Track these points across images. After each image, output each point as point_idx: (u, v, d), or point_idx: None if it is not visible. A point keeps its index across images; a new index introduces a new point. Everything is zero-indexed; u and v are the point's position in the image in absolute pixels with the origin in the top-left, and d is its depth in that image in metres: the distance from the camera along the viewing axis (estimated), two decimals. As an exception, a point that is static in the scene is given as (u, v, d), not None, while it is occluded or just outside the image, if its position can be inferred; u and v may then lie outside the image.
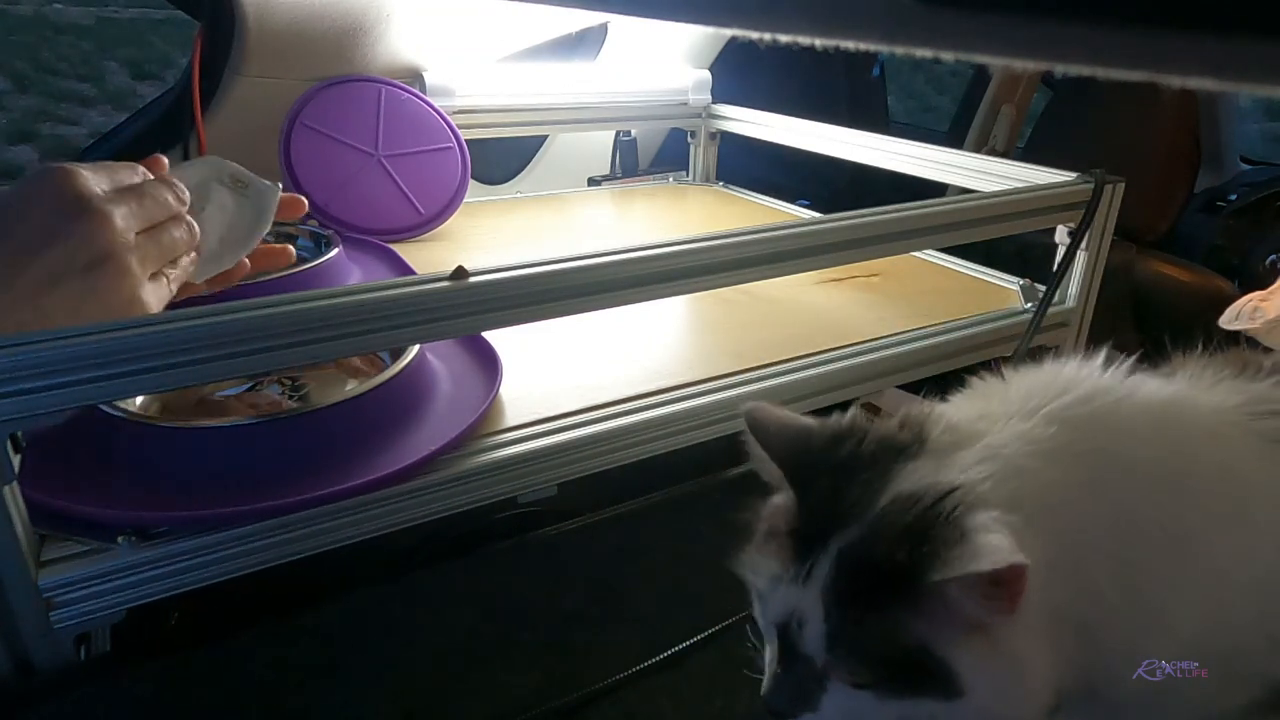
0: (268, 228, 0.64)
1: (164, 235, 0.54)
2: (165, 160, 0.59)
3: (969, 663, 0.32)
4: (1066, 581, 0.33)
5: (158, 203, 0.54)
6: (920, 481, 0.34)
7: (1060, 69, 0.18)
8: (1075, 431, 0.36)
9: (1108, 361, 0.40)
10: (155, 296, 0.53)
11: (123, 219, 0.50)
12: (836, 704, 0.34)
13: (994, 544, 0.30)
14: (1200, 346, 0.45)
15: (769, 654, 0.37)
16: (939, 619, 0.31)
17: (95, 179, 0.51)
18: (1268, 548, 0.36)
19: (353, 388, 0.58)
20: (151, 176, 0.56)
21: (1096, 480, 0.35)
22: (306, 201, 0.69)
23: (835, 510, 0.34)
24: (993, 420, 0.37)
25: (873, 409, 0.93)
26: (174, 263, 0.55)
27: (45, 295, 0.47)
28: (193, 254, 0.58)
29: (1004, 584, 0.30)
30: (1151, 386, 0.40)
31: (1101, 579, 0.34)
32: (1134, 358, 0.41)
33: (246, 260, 0.63)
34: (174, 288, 0.55)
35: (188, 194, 0.57)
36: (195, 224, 0.57)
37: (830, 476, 0.36)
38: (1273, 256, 1.58)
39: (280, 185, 0.66)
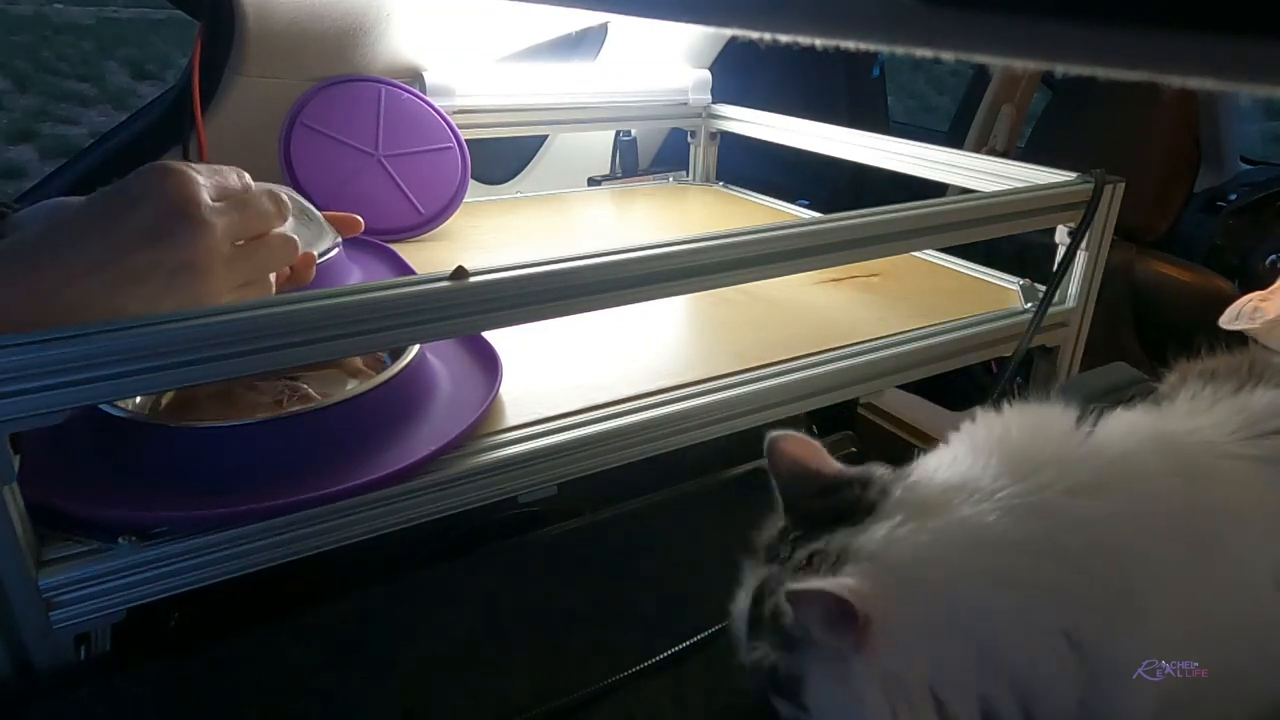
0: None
1: (261, 248, 0.54)
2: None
3: (816, 684, 0.38)
4: (962, 662, 0.36)
5: (260, 214, 0.54)
6: (842, 541, 0.39)
7: (1060, 69, 0.18)
8: (1018, 523, 0.37)
9: (1098, 405, 0.41)
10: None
11: (224, 229, 0.50)
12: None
13: (839, 581, 0.36)
14: (1204, 352, 0.45)
15: None
16: (803, 644, 0.37)
17: (206, 184, 0.51)
18: (1252, 577, 0.36)
19: (353, 388, 0.58)
20: (253, 183, 0.56)
21: (1021, 570, 0.37)
22: (362, 221, 0.70)
23: (778, 551, 0.42)
24: (954, 493, 0.39)
25: (874, 409, 0.93)
26: (267, 271, 0.55)
27: (127, 289, 0.47)
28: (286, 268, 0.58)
29: (845, 619, 0.35)
30: (1125, 438, 0.40)
31: (1031, 662, 0.36)
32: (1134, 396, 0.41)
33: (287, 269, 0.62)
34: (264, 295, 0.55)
35: (290, 205, 0.57)
36: (295, 238, 0.57)
37: (796, 521, 0.43)
38: (1273, 256, 1.58)
39: (340, 239, 0.68)
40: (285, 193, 0.62)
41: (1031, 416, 0.41)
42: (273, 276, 0.57)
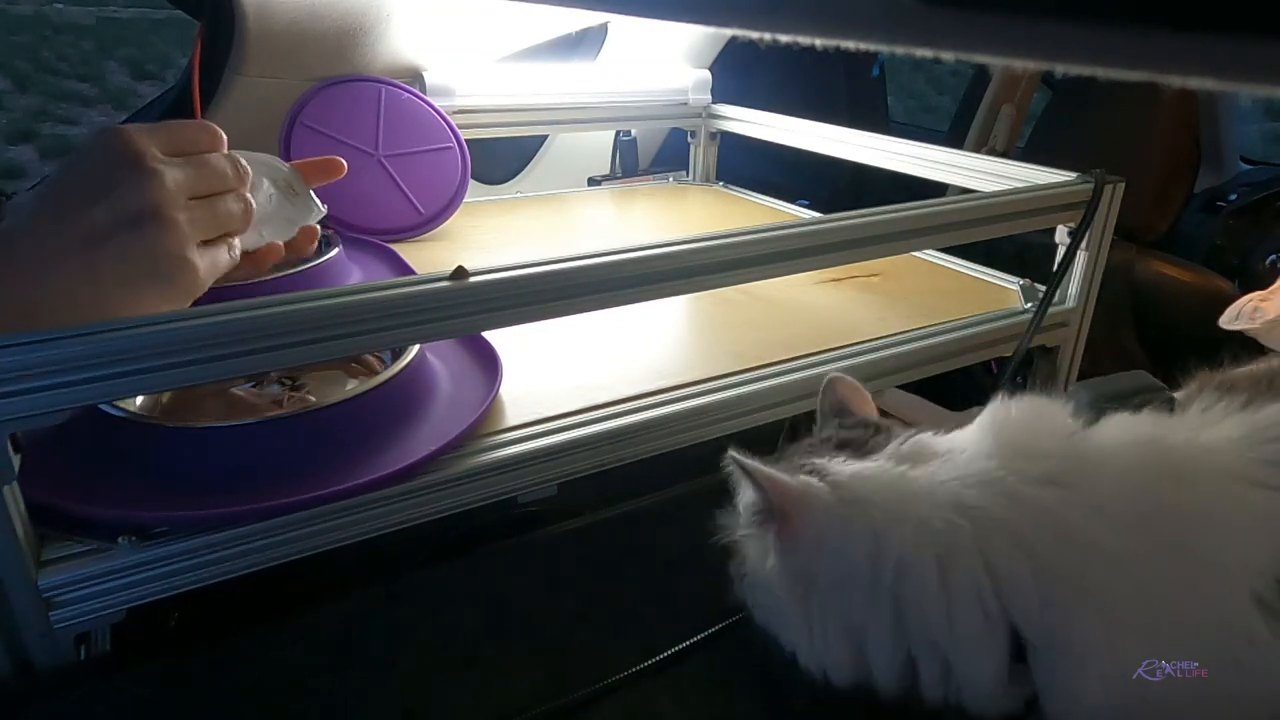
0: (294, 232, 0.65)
1: (219, 204, 0.54)
2: (224, 137, 0.58)
3: (752, 546, 0.44)
4: (877, 603, 0.39)
5: (216, 173, 0.54)
6: (830, 464, 0.43)
7: (1060, 69, 0.18)
8: (979, 496, 0.39)
9: (1106, 407, 0.42)
10: (206, 261, 0.53)
11: (174, 181, 0.50)
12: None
13: (779, 474, 0.41)
14: (1227, 361, 0.45)
15: None
16: (751, 523, 0.43)
17: (154, 139, 0.51)
18: (1222, 590, 0.36)
19: (353, 388, 0.58)
20: (218, 148, 0.56)
21: (962, 537, 0.38)
22: (344, 163, 0.69)
23: (785, 456, 0.46)
24: (936, 457, 0.41)
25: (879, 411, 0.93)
26: (228, 235, 0.55)
27: (94, 249, 0.48)
28: (246, 231, 0.57)
29: (771, 508, 0.41)
30: (1115, 438, 0.40)
31: (951, 626, 0.38)
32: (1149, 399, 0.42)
33: (281, 245, 0.63)
34: (230, 257, 0.55)
35: (250, 171, 0.57)
36: (253, 201, 0.57)
37: (817, 444, 0.46)
38: (1273, 256, 1.58)
39: (326, 207, 0.67)
40: (274, 162, 0.62)
41: (1035, 408, 0.42)
42: (239, 245, 0.57)
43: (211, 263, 0.53)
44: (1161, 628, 0.36)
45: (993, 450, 0.40)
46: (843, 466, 0.42)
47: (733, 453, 0.42)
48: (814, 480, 0.41)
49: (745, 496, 0.43)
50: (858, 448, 0.44)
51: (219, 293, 0.63)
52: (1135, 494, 0.38)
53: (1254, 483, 0.37)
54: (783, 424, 0.70)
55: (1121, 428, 0.41)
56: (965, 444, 0.42)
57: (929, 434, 0.44)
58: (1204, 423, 0.41)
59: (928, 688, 0.40)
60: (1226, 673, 0.35)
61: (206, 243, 0.53)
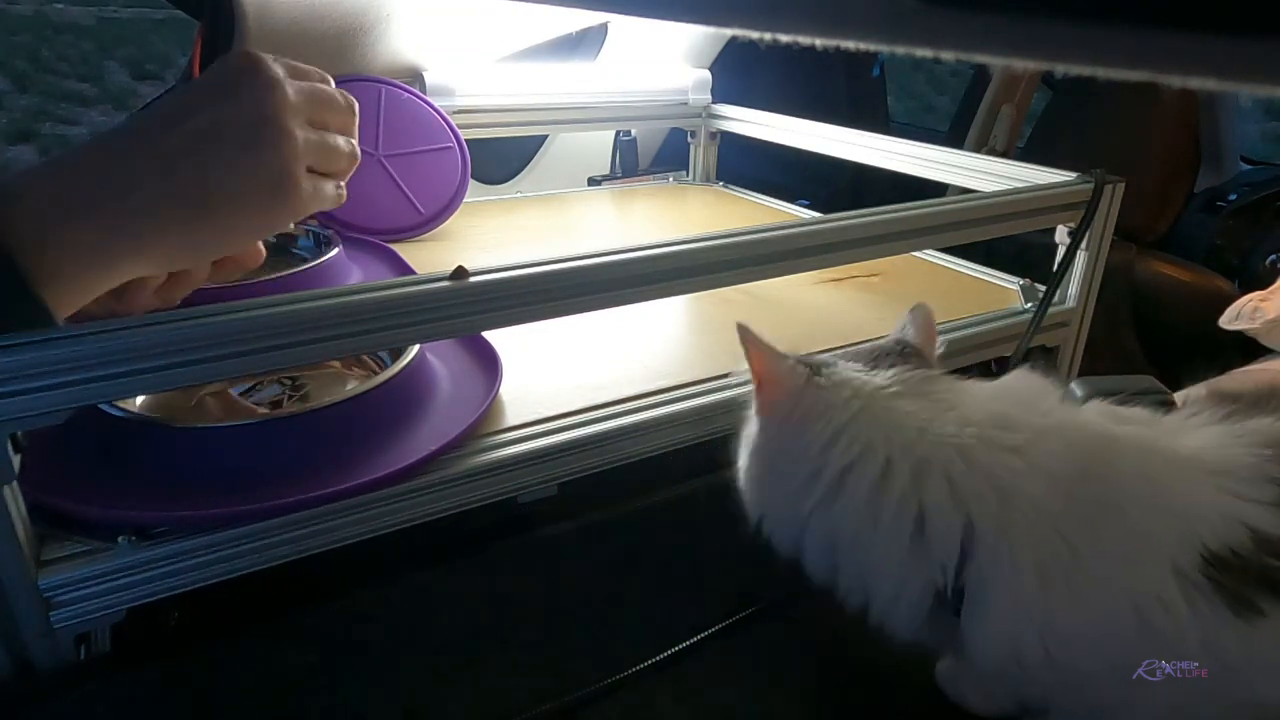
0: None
1: (331, 138, 0.53)
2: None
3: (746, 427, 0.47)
4: (817, 504, 0.42)
5: (333, 105, 0.53)
6: (854, 368, 0.45)
7: (1060, 69, 0.18)
8: (937, 441, 0.40)
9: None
10: (310, 186, 0.51)
11: (295, 96, 0.49)
12: None
13: (773, 352, 0.44)
14: (1225, 364, 0.46)
15: None
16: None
17: (279, 63, 0.50)
18: (1147, 560, 0.37)
19: (353, 388, 0.58)
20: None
21: (909, 468, 0.40)
22: None
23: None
24: (930, 398, 0.43)
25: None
26: (334, 174, 0.54)
27: (205, 149, 0.46)
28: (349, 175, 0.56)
29: (756, 381, 0.45)
30: (1086, 419, 0.42)
31: (876, 553, 0.41)
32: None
33: (263, 248, 0.60)
34: (336, 193, 0.54)
35: (357, 113, 0.55)
36: (359, 151, 0.55)
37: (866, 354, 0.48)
38: (1273, 256, 1.58)
39: None
40: None
41: (1031, 381, 0.44)
42: (345, 189, 0.55)
43: (315, 190, 0.51)
44: (1073, 580, 0.37)
45: (977, 416, 0.41)
46: (843, 369, 0.45)
47: (740, 322, 0.44)
48: (799, 365, 0.44)
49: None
50: (876, 361, 0.46)
51: (219, 293, 0.63)
52: (1083, 461, 0.39)
53: (1207, 472, 0.38)
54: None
55: (1097, 411, 0.42)
56: (962, 400, 0.43)
57: (949, 379, 0.45)
58: (1183, 425, 0.42)
59: (848, 593, 0.44)
60: (1133, 634, 0.36)
61: (313, 172, 0.52)
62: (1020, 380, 0.44)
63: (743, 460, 0.47)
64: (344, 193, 0.55)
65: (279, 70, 0.50)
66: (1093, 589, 0.37)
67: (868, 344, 0.49)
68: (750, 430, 0.47)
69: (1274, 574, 0.35)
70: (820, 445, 0.42)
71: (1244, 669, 0.36)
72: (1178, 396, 0.48)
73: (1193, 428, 0.41)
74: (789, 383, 0.44)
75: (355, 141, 0.55)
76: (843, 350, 0.48)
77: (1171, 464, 0.39)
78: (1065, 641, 0.38)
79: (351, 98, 0.55)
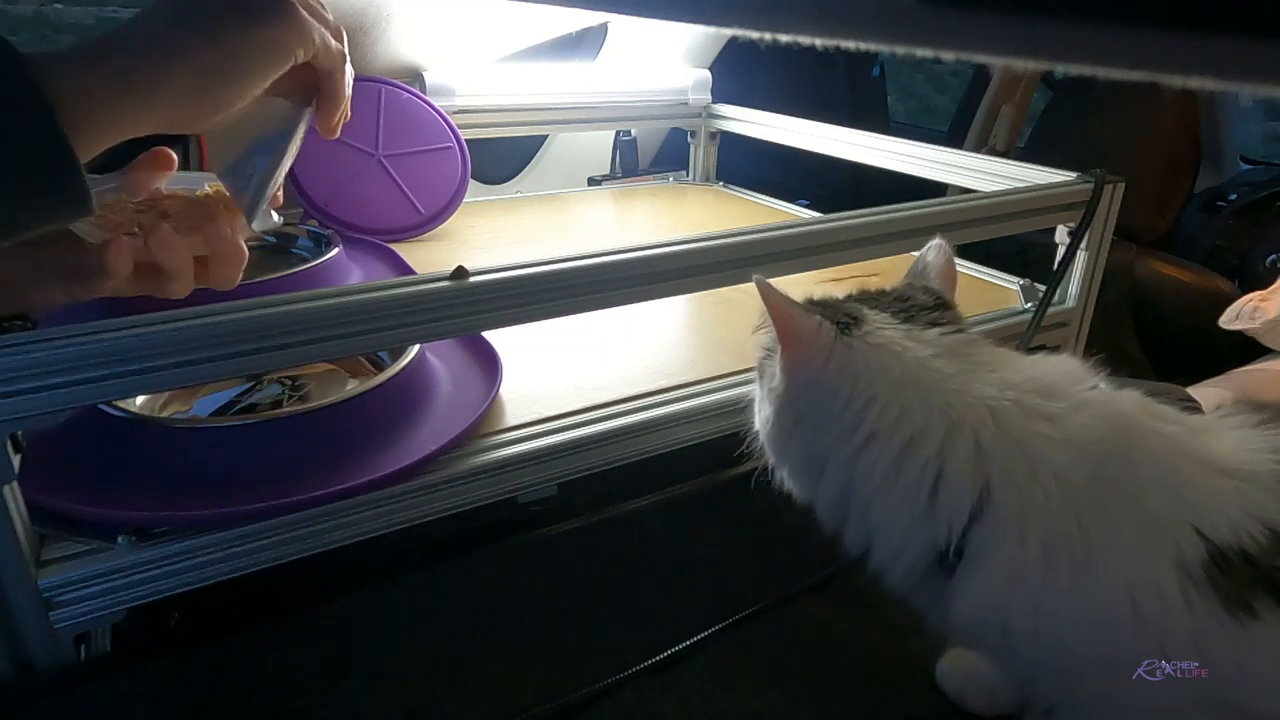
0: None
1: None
2: None
3: (768, 364, 0.47)
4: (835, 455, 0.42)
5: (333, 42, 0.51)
6: (883, 315, 0.45)
7: (1060, 69, 0.18)
8: (971, 403, 0.41)
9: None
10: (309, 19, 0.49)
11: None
12: None
13: (801, 312, 0.44)
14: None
15: None
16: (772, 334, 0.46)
17: None
18: (1151, 548, 0.37)
19: (353, 388, 0.58)
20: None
21: (938, 430, 0.40)
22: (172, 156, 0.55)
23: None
24: (969, 358, 0.43)
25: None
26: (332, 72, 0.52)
27: (221, 30, 0.45)
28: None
29: (780, 339, 0.44)
30: (1119, 404, 0.41)
31: (888, 506, 0.41)
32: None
33: (245, 248, 0.54)
34: (337, 48, 0.51)
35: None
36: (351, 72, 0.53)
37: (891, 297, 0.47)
38: (1273, 256, 1.57)
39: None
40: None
41: (1074, 362, 0.44)
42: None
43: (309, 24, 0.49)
44: (1076, 555, 0.37)
45: (1017, 380, 0.41)
46: (876, 326, 0.44)
47: (757, 276, 0.44)
48: (825, 323, 0.43)
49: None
50: (910, 314, 0.45)
51: (219, 293, 0.63)
52: (1112, 441, 0.39)
53: (1223, 471, 0.38)
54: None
55: (1134, 400, 0.42)
56: (1004, 364, 0.42)
57: (990, 344, 0.44)
58: (1213, 426, 0.42)
59: (851, 541, 0.44)
60: (1124, 621, 0.36)
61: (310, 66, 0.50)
62: (1063, 359, 0.44)
63: (765, 411, 0.47)
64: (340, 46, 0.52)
65: None
66: (1094, 568, 0.37)
67: (900, 290, 0.48)
68: (774, 384, 0.46)
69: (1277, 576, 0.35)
70: (855, 407, 0.42)
71: (1231, 673, 0.36)
72: (1204, 405, 0.48)
73: (1221, 430, 0.41)
74: (817, 342, 0.43)
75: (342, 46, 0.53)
76: (860, 294, 0.48)
77: (1194, 460, 0.39)
78: (1056, 616, 0.38)
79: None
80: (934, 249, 0.50)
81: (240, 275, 0.53)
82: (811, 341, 0.43)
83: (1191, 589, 0.35)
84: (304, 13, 0.49)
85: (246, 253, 0.53)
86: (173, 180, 0.53)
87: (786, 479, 0.47)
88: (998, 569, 0.38)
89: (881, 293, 0.47)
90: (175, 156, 0.53)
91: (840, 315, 0.44)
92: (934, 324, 0.44)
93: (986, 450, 0.39)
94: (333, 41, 0.52)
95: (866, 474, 0.42)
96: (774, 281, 0.63)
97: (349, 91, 0.54)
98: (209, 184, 0.53)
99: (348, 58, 0.53)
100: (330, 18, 0.52)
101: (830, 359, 0.43)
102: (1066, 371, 0.42)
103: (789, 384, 0.45)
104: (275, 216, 0.54)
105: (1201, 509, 0.37)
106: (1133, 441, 0.39)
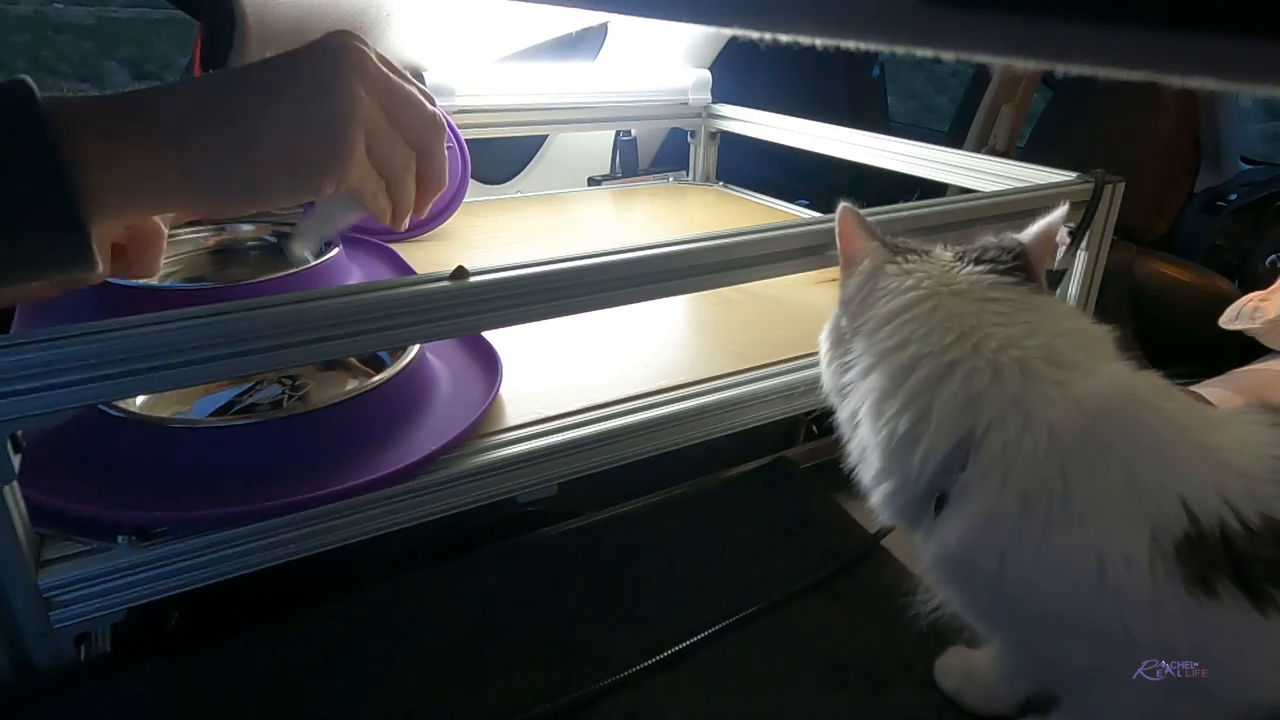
0: None
1: (402, 144, 0.48)
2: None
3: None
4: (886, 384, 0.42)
5: (416, 111, 0.48)
6: (956, 255, 0.46)
7: (1060, 69, 0.18)
8: (1008, 359, 0.40)
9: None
10: (364, 163, 0.46)
11: (376, 74, 0.47)
12: None
13: (864, 232, 0.47)
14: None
15: None
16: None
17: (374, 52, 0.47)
18: (1131, 511, 0.37)
19: (353, 388, 0.58)
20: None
21: (980, 375, 0.40)
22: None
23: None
24: (1026, 308, 0.43)
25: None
26: (389, 182, 0.49)
27: (267, 93, 0.44)
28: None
29: (841, 253, 0.48)
30: (1137, 381, 0.41)
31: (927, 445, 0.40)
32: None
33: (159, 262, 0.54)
34: (383, 205, 0.49)
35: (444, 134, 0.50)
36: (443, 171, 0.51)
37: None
38: (1273, 256, 1.58)
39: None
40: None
41: (1105, 330, 0.44)
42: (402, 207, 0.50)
43: (367, 175, 0.47)
44: (1053, 512, 0.37)
45: (1036, 338, 0.41)
46: (928, 258, 0.46)
47: (843, 203, 0.48)
48: (882, 247, 0.46)
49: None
50: (969, 256, 0.46)
51: (219, 293, 0.63)
52: (1114, 407, 0.39)
53: (1223, 458, 0.38)
54: (786, 422, 0.70)
55: (1151, 380, 0.42)
56: (1028, 315, 0.42)
57: (1025, 289, 0.44)
58: (1225, 417, 0.42)
59: (853, 460, 0.46)
60: (1088, 585, 0.37)
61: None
62: (1097, 327, 0.44)
63: (823, 344, 0.50)
64: (392, 208, 0.50)
65: (370, 51, 0.47)
66: (1069, 525, 0.37)
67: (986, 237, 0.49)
68: (833, 312, 0.49)
69: (1248, 562, 0.35)
70: (871, 326, 0.44)
71: (1187, 652, 0.36)
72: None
73: (1235, 423, 0.41)
74: (868, 263, 0.46)
75: (442, 167, 0.50)
76: (953, 237, 0.49)
77: (1195, 441, 0.39)
78: (1021, 565, 0.38)
79: (444, 118, 0.51)
80: (1051, 215, 0.50)
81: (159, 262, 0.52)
82: (863, 261, 0.46)
83: (1159, 561, 0.36)
84: (366, 105, 0.45)
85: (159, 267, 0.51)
86: None
87: (826, 390, 0.49)
88: (974, 511, 0.39)
89: (965, 245, 0.48)
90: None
91: (900, 245, 0.47)
92: (980, 263, 0.45)
93: (979, 398, 0.39)
94: (424, 111, 0.49)
95: (867, 395, 0.43)
96: (774, 281, 0.64)
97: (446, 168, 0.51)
98: None
99: (445, 126, 0.50)
100: (413, 85, 0.48)
101: (873, 279, 0.45)
102: (1095, 336, 0.43)
103: (840, 309, 0.48)
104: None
105: (1191, 485, 0.37)
106: (1137, 412, 0.39)
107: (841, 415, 0.47)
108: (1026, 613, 0.39)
